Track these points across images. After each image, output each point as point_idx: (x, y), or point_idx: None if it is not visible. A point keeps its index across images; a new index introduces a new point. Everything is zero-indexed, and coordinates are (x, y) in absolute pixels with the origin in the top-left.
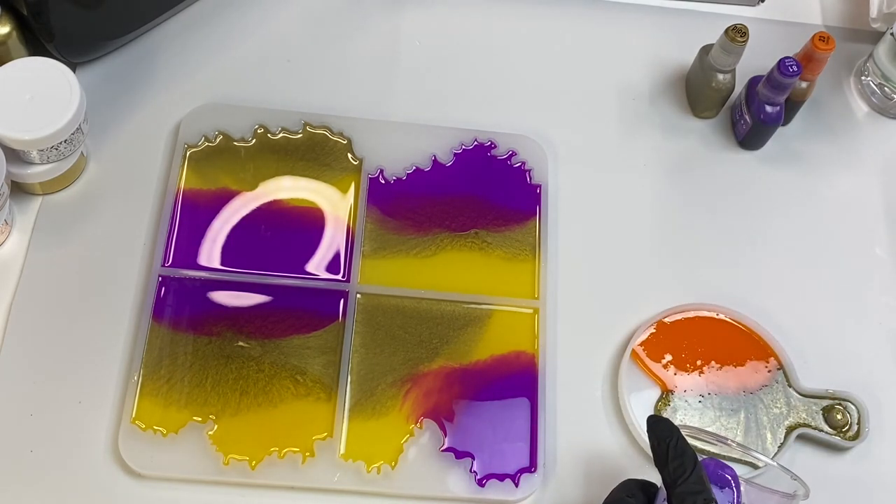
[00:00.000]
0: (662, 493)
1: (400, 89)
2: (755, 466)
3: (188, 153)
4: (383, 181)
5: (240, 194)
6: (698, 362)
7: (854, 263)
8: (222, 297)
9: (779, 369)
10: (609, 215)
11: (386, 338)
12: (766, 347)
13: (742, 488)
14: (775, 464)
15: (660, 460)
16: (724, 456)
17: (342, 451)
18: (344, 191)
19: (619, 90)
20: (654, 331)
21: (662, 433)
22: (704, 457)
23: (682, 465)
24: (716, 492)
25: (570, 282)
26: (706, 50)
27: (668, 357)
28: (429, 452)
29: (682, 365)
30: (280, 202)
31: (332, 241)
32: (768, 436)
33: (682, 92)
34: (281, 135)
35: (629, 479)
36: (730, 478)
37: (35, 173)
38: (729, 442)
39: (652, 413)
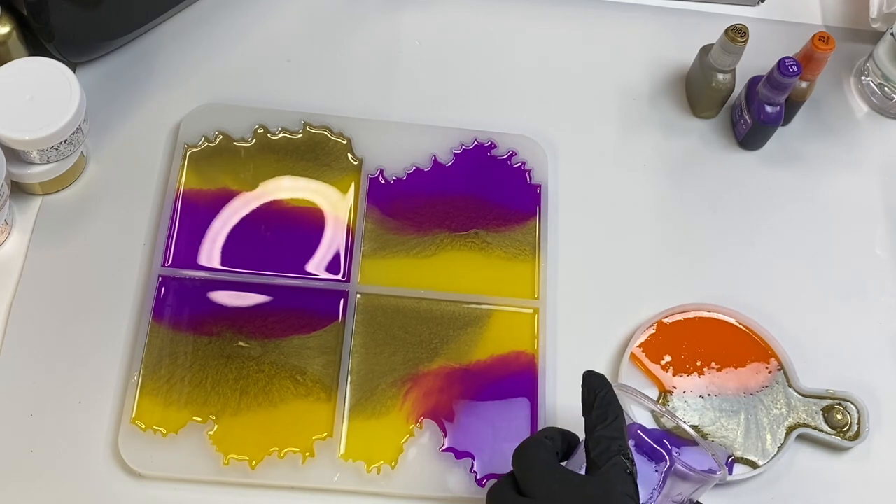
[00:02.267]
0: (583, 445)
1: (400, 89)
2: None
3: (188, 153)
4: (383, 181)
5: (240, 194)
6: (698, 363)
7: (854, 263)
8: (222, 297)
9: (779, 370)
10: (609, 215)
11: (386, 338)
12: (767, 348)
13: (674, 465)
14: (696, 434)
15: (586, 408)
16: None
17: (342, 451)
18: (344, 191)
19: (619, 90)
20: (654, 331)
21: (593, 384)
22: (658, 429)
23: (604, 413)
24: (645, 462)
25: (570, 282)
26: (706, 50)
27: (668, 358)
28: (429, 452)
29: (681, 366)
30: (280, 202)
31: (331, 241)
32: (768, 437)
33: (682, 92)
34: (281, 135)
35: (550, 427)
36: (665, 453)
37: (35, 173)
38: (660, 407)
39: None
